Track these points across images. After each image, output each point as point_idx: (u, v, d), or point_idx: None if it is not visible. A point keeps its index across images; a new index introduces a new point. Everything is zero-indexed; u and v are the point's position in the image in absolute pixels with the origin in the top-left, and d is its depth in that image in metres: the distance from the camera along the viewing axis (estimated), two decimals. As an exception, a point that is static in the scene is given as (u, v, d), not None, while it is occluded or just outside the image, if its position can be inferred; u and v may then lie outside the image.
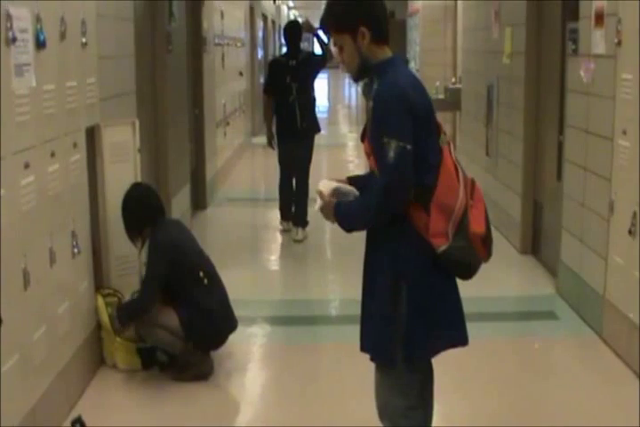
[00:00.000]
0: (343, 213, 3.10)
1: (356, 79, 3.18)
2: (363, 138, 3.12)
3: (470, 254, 3.01)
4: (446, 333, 3.11)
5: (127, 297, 4.71)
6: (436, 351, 3.14)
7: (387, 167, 2.92)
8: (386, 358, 3.09)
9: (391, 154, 2.89)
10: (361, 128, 3.18)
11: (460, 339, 3.16)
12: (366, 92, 3.15)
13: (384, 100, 2.97)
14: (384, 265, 3.05)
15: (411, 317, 3.00)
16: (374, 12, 3.09)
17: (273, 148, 8.18)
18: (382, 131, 2.94)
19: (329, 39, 3.32)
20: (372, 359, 3.17)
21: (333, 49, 3.41)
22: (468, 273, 3.09)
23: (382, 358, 3.11)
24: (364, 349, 3.17)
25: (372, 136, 3.00)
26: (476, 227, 3.01)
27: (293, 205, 7.98)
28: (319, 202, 3.16)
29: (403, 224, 3.00)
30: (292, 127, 7.74)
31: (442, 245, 2.96)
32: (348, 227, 3.14)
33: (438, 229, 2.96)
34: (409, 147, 2.90)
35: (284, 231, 8.06)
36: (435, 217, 2.96)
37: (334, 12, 3.11)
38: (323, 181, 3.19)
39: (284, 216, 8.11)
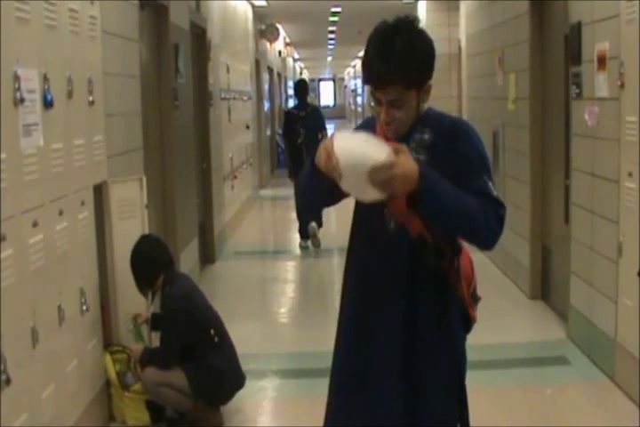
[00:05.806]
0: (438, 179, 2.52)
1: (403, 138, 2.65)
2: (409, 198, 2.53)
3: None
4: None
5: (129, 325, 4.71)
6: None
7: (498, 200, 2.59)
8: None
9: (495, 192, 2.61)
10: None
11: None
12: (413, 147, 2.65)
13: (479, 146, 2.78)
14: (443, 343, 2.73)
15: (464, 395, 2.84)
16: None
17: (292, 180, 9.96)
18: (483, 170, 2.64)
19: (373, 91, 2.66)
20: None
21: (374, 106, 2.71)
22: None
23: None
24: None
25: (461, 178, 2.59)
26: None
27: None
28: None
29: (449, 293, 2.69)
30: (300, 164, 9.28)
31: (475, 318, 2.78)
32: (435, 198, 2.48)
33: (467, 298, 2.73)
34: None
35: (303, 249, 9.74)
36: (461, 284, 2.71)
37: (409, 68, 2.61)
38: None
39: (304, 236, 9.79)
